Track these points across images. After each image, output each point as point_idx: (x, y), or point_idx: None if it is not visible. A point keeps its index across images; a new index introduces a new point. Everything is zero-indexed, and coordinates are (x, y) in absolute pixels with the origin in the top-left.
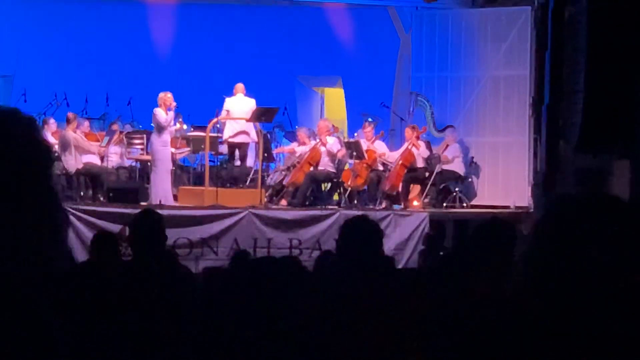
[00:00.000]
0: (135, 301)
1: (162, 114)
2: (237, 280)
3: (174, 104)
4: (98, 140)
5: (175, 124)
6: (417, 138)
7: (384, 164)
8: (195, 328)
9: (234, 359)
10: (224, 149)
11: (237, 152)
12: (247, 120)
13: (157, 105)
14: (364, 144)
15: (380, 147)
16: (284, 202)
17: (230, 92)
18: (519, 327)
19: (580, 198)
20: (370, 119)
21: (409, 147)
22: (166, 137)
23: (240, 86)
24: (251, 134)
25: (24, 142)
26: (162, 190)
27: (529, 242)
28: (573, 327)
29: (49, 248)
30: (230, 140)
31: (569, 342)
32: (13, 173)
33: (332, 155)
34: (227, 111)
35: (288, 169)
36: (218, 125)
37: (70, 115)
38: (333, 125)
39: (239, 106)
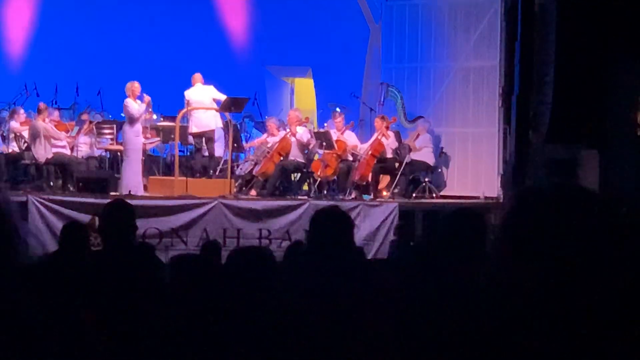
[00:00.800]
0: (106, 291)
1: (133, 105)
2: (208, 269)
3: (147, 97)
4: (68, 130)
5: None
6: (387, 128)
7: (353, 155)
8: (165, 318)
9: (205, 349)
10: (191, 139)
11: (204, 143)
12: (217, 111)
13: (126, 96)
14: (334, 134)
15: (350, 137)
16: (253, 192)
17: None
18: (490, 317)
19: (549, 189)
20: (338, 109)
21: (379, 137)
22: (138, 127)
23: (197, 76)
24: (216, 120)
25: None
26: (132, 181)
27: (498, 234)
28: (544, 318)
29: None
30: (196, 131)
31: (539, 333)
32: None
33: (302, 146)
34: (188, 102)
35: (258, 159)
36: (187, 116)
37: (42, 105)
38: (303, 116)
39: (198, 96)
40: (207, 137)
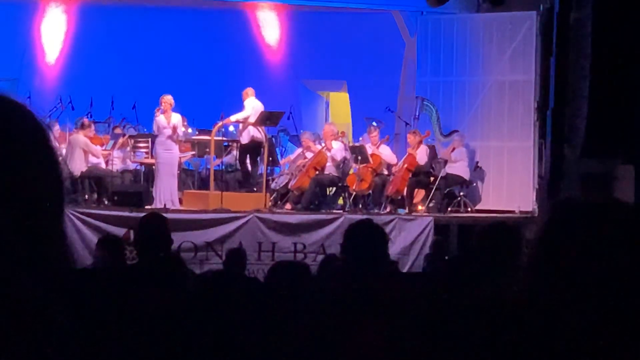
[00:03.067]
0: (140, 304)
1: (157, 120)
2: (232, 281)
3: (163, 106)
4: (103, 144)
5: (169, 127)
6: (420, 143)
7: (388, 168)
8: (198, 330)
9: None
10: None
11: (248, 156)
12: (252, 125)
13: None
14: (369, 149)
15: (385, 151)
16: (288, 206)
17: (235, 96)
18: (523, 332)
19: (585, 203)
20: (374, 123)
21: (412, 151)
22: (166, 141)
23: (251, 90)
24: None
25: (31, 142)
26: (167, 194)
27: (533, 248)
28: (578, 333)
29: (53, 250)
30: (253, 140)
31: (574, 347)
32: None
33: (336, 161)
34: (254, 109)
35: (293, 173)
36: (223, 129)
37: (86, 121)
38: (338, 130)
39: (258, 106)
40: (258, 147)
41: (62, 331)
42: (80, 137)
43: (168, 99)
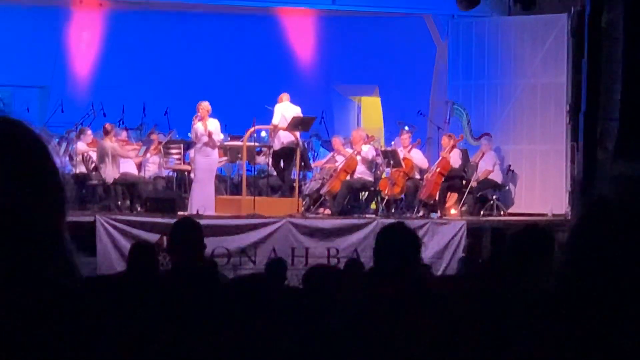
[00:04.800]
0: (175, 310)
1: (195, 127)
2: (273, 288)
3: (200, 113)
4: (135, 150)
5: (206, 133)
6: (454, 147)
7: (420, 172)
8: (233, 337)
9: None
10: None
11: (282, 161)
12: (284, 129)
13: (193, 115)
14: (401, 152)
15: (416, 155)
16: (321, 210)
17: (269, 102)
18: (556, 333)
19: (616, 203)
20: (406, 127)
21: (445, 155)
22: (204, 147)
23: (285, 95)
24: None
25: (31, 161)
26: (202, 199)
27: (565, 248)
28: (611, 336)
29: (52, 261)
30: (284, 146)
31: (607, 350)
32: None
33: (367, 162)
34: (283, 116)
35: (325, 177)
36: (255, 135)
37: (108, 125)
38: (367, 135)
39: (290, 113)
40: (290, 152)
41: (95, 340)
42: (107, 143)
43: (205, 106)
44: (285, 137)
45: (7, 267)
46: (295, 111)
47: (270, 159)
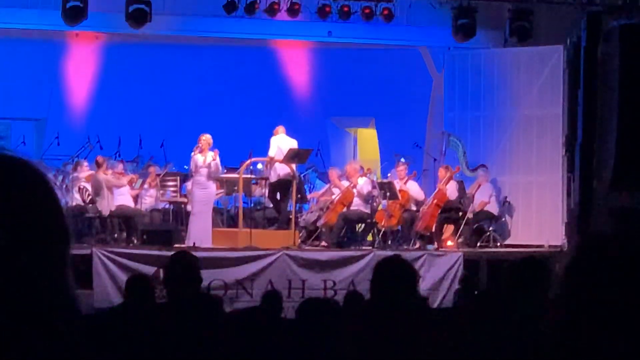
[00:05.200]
0: (172, 343)
1: (195, 158)
2: (270, 321)
3: (201, 145)
4: (132, 183)
5: (205, 165)
6: (450, 178)
7: (416, 204)
8: None
9: None
10: (258, 191)
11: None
12: (280, 162)
13: (191, 147)
14: (397, 184)
15: (413, 187)
16: (317, 243)
17: (263, 134)
18: None
19: (614, 237)
20: (403, 159)
21: (442, 187)
22: (200, 179)
23: (281, 128)
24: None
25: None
26: (199, 232)
27: (561, 282)
28: None
29: (57, 297)
30: (280, 178)
31: None
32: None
33: (363, 196)
34: (279, 148)
35: (321, 210)
36: (251, 167)
37: (100, 158)
38: (362, 167)
39: (286, 145)
40: (286, 185)
41: None
42: (100, 175)
43: (207, 138)
44: (281, 169)
45: (11, 308)
46: (291, 144)
47: (267, 191)
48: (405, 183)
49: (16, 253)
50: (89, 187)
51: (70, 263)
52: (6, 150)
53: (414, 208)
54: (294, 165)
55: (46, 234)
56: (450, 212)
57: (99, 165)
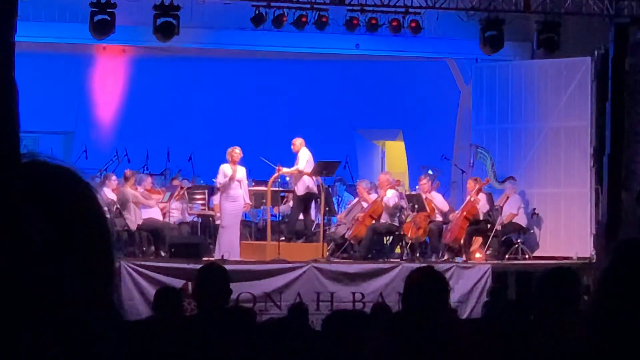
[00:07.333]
0: (200, 356)
1: (220, 171)
2: (296, 332)
3: (231, 158)
4: (160, 195)
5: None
6: (480, 190)
7: (442, 215)
8: None
9: None
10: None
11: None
12: (309, 175)
13: (218, 160)
14: (422, 197)
15: (437, 198)
16: (345, 255)
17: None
18: None
19: None
20: (430, 171)
21: (471, 199)
22: (230, 192)
23: (302, 140)
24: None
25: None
26: (228, 245)
27: (595, 289)
28: None
29: (106, 304)
30: (308, 191)
31: None
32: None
33: (389, 209)
34: (308, 161)
35: (350, 222)
36: (279, 180)
37: (128, 172)
38: (394, 179)
39: (311, 157)
40: (314, 197)
41: None
42: (128, 190)
43: (237, 152)
44: (309, 182)
45: (60, 319)
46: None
47: (293, 204)
48: (429, 194)
49: (63, 259)
50: (116, 200)
51: (115, 272)
52: (50, 157)
53: (439, 219)
54: (321, 178)
55: (93, 241)
56: (478, 224)
57: (126, 179)
